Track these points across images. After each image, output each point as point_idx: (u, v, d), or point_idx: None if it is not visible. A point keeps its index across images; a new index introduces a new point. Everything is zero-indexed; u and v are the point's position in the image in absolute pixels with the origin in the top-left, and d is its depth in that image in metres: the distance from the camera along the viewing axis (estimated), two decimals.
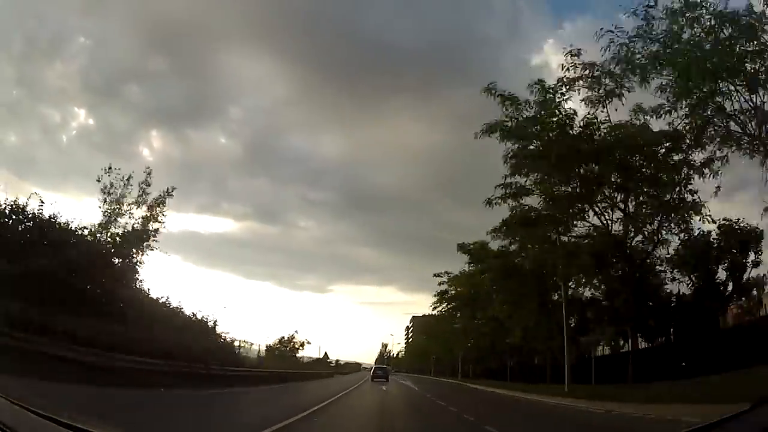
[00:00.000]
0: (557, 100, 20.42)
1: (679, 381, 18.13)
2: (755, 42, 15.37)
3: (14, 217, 13.52)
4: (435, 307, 55.01)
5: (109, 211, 17.35)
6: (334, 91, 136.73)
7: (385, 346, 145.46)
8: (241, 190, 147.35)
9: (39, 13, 77.49)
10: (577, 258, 24.75)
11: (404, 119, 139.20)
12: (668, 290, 28.49)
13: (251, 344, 32.20)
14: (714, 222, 22.84)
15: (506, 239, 29.46)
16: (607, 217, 24.07)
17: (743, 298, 26.14)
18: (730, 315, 26.88)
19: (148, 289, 18.67)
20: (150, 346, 14.52)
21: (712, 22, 15.57)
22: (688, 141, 19.89)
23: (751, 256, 25.39)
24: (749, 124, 16.70)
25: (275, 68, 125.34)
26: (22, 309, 10.36)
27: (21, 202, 13.68)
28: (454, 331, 54.95)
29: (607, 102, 19.89)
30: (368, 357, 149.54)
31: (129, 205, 17.73)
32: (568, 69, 19.67)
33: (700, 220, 22.28)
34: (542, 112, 20.65)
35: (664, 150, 21.58)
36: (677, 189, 21.94)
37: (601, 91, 19.64)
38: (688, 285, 27.09)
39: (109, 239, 17.01)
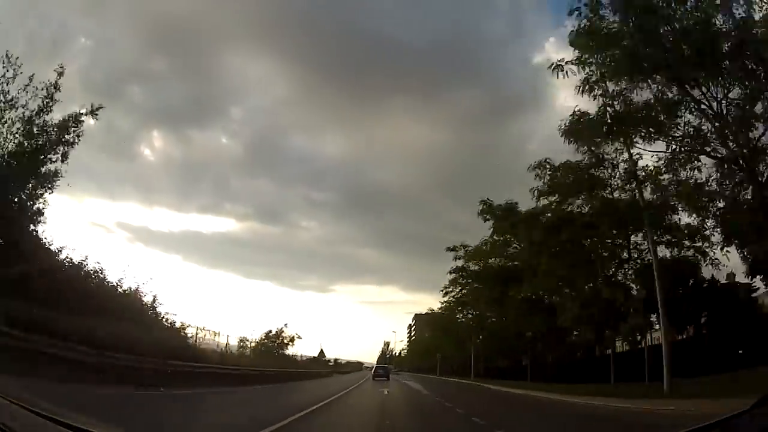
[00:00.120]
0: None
1: (721, 374, 16.57)
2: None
3: None
4: (446, 292, 48.29)
5: None
6: (336, 91, 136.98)
7: (387, 344, 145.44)
8: (243, 191, 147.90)
9: (39, 13, 77.54)
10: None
11: (406, 119, 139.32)
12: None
13: (215, 333, 27.69)
14: None
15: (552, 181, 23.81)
16: None
17: None
18: None
19: (49, 239, 14.71)
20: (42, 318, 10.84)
21: None
22: None
23: None
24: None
25: (277, 68, 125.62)
26: None
27: None
28: (467, 323, 49.72)
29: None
30: (370, 356, 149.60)
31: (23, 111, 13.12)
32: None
33: None
34: None
35: None
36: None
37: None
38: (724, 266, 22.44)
39: None
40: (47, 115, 14.01)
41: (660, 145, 19.08)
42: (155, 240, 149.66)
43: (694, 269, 23.71)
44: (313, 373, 44.85)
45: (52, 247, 14.86)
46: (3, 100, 13.43)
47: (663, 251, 22.66)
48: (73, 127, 14.32)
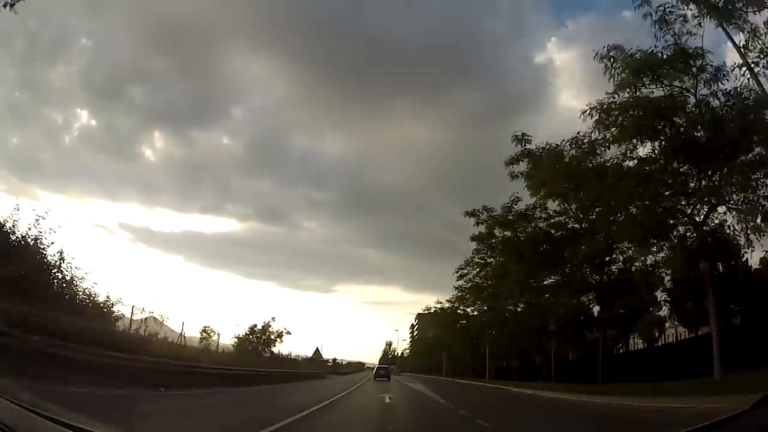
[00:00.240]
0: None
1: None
2: None
3: None
4: (462, 274, 41.20)
5: None
6: (337, 91, 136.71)
7: (389, 344, 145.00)
8: (245, 191, 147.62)
9: (41, 14, 77.90)
10: None
11: (408, 119, 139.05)
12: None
13: (162, 318, 20.44)
14: None
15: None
16: None
17: None
18: None
19: None
20: None
21: None
22: None
23: None
24: None
25: (278, 68, 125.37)
26: None
27: None
28: (480, 317, 43.54)
29: None
30: (373, 357, 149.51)
31: None
32: None
33: None
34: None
35: None
36: None
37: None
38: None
39: None
40: None
41: None
42: (157, 241, 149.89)
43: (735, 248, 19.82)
44: (302, 374, 39.59)
45: None
46: None
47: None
48: None
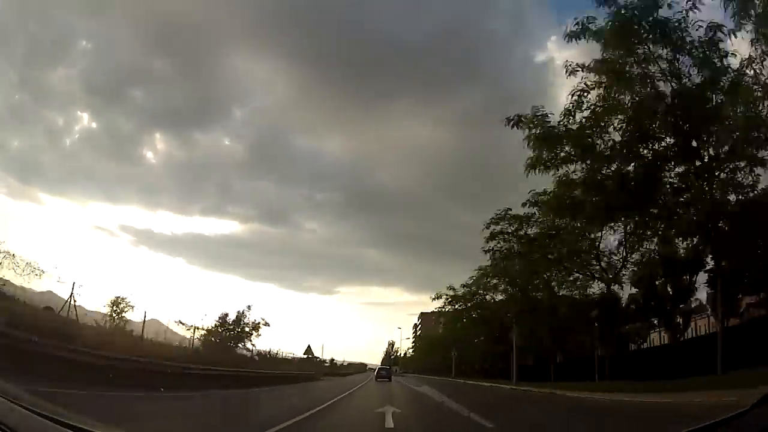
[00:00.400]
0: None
1: None
2: None
3: None
4: (494, 233, 30.61)
5: None
6: (339, 92, 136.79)
7: (391, 344, 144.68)
8: (246, 192, 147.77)
9: (41, 16, 78.35)
10: None
11: (410, 119, 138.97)
12: None
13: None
14: None
15: None
16: None
17: None
18: None
19: None
20: None
21: None
22: None
23: None
24: None
25: (279, 69, 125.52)
26: None
27: None
28: (511, 298, 35.91)
29: None
30: (375, 358, 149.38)
31: None
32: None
33: None
34: None
35: None
36: None
37: None
38: None
39: None
40: None
41: None
42: (159, 243, 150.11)
43: None
44: (278, 376, 30.94)
45: None
46: None
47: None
48: None
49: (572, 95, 18.17)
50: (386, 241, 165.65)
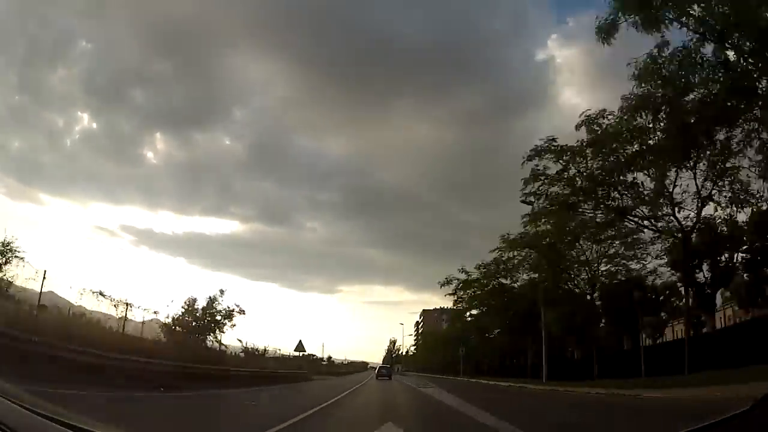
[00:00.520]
0: None
1: None
2: None
3: None
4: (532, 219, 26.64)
5: None
6: (340, 92, 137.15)
7: (393, 342, 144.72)
8: (247, 192, 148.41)
9: (41, 17, 78.41)
10: None
11: (411, 119, 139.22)
12: None
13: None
14: None
15: None
16: None
17: None
18: None
19: None
20: None
21: None
22: None
23: None
24: None
25: (280, 69, 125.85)
26: None
27: None
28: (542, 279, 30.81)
29: None
30: (377, 356, 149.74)
31: None
32: None
33: None
34: None
35: None
36: None
37: None
38: None
39: None
40: None
41: None
42: (160, 243, 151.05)
43: None
44: (256, 375, 26.32)
45: None
46: None
47: None
48: None
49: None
50: (387, 240, 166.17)
